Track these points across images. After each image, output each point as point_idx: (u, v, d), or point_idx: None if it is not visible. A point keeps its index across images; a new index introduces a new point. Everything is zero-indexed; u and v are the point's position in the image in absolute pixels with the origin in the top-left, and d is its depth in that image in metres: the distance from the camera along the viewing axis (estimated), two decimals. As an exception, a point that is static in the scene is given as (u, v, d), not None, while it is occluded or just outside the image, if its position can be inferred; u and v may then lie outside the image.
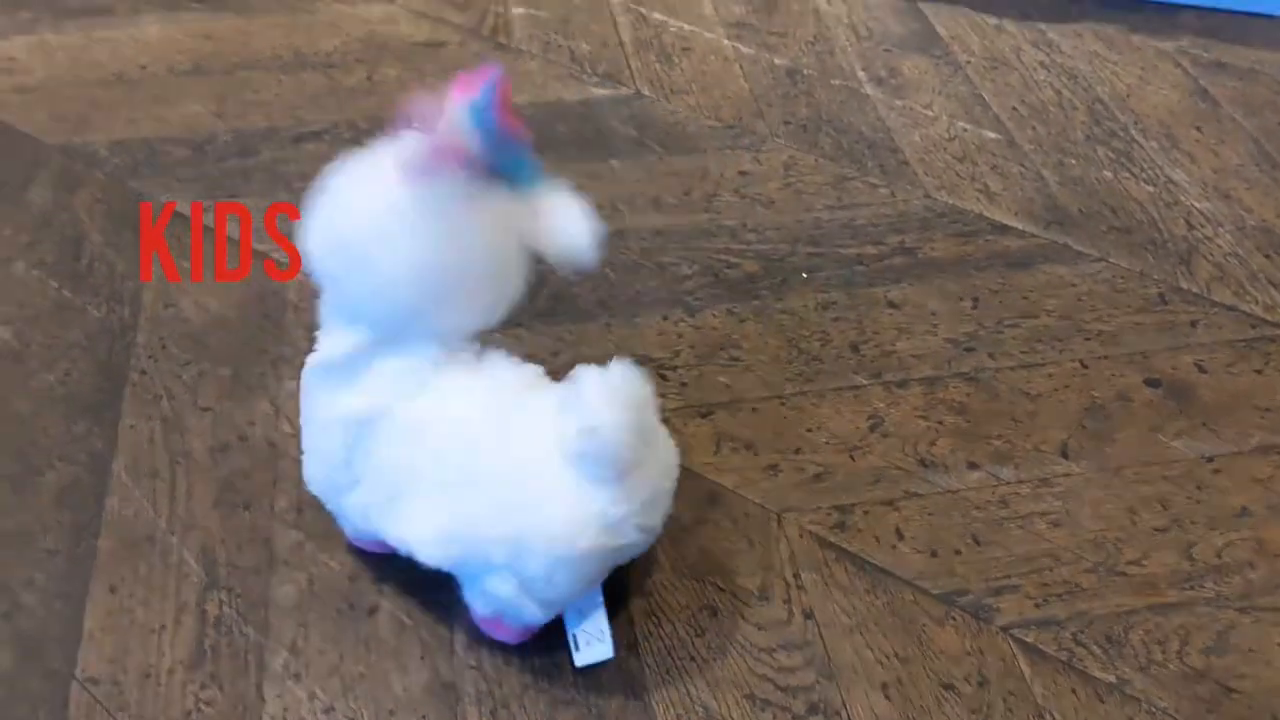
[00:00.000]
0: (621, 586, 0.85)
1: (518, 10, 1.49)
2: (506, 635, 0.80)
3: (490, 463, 0.73)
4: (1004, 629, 0.83)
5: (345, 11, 1.48)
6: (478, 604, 0.78)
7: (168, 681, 0.79)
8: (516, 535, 0.72)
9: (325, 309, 0.76)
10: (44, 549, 0.87)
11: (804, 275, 1.10)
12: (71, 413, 0.97)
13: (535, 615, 0.76)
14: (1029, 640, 0.83)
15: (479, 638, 0.81)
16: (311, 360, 0.77)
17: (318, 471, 0.80)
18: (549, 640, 0.81)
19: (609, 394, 0.70)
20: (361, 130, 1.28)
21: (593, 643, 0.79)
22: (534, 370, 0.78)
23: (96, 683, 0.79)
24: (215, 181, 1.20)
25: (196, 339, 1.03)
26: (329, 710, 0.78)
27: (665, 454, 0.76)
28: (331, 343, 0.75)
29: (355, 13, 1.47)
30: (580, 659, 0.79)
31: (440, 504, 0.73)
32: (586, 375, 0.72)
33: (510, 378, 0.76)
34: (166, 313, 1.05)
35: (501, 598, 0.75)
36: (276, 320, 1.05)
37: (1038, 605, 0.85)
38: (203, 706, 0.78)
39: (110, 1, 1.49)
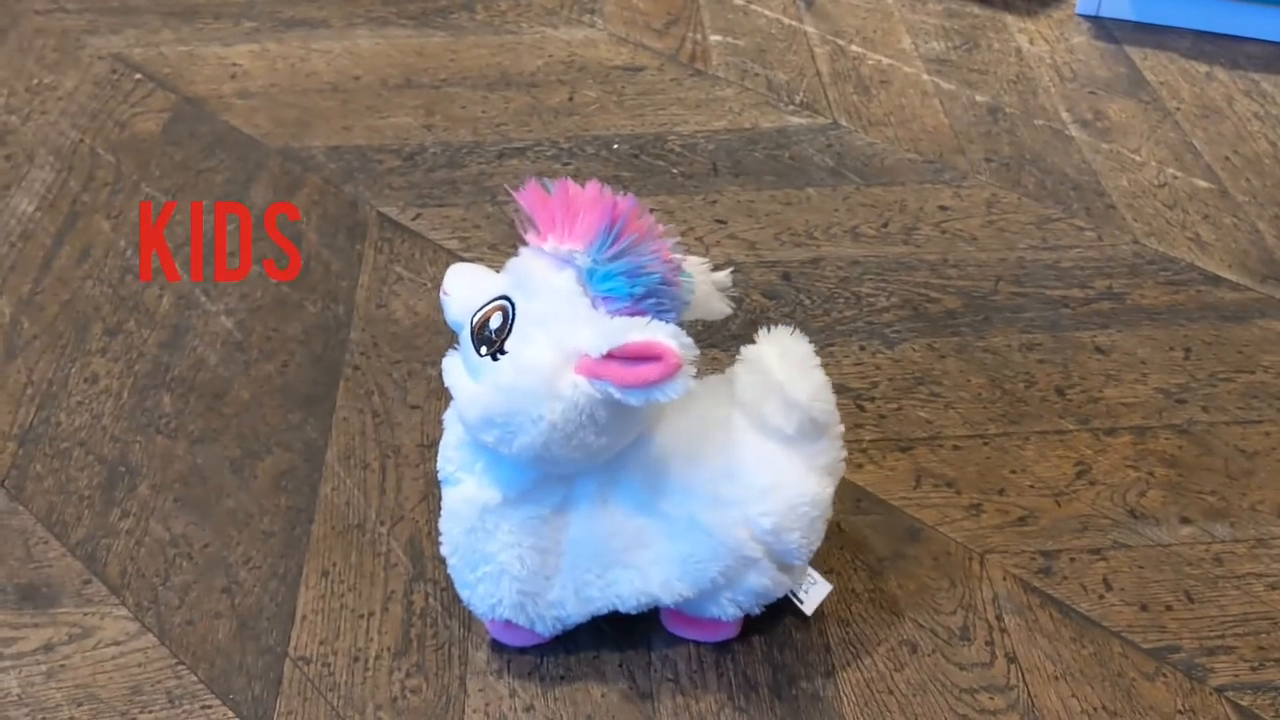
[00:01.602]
0: (818, 614, 0.84)
1: (715, 38, 1.51)
2: (725, 633, 0.81)
3: (709, 474, 0.73)
4: (1218, 690, 0.80)
5: (548, 34, 1.52)
6: (725, 609, 0.78)
7: (375, 666, 0.82)
8: (772, 523, 0.72)
9: (470, 455, 0.74)
10: (261, 530, 0.91)
11: (1007, 314, 1.08)
12: (288, 402, 1.01)
13: (786, 586, 0.78)
14: (1244, 704, 0.79)
15: (675, 651, 0.82)
16: (465, 501, 0.74)
17: (507, 593, 0.75)
18: (746, 659, 0.81)
19: (794, 363, 0.74)
20: (563, 149, 1.31)
21: (809, 589, 0.80)
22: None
23: (308, 662, 0.82)
24: (425, 191, 1.24)
25: (406, 339, 1.06)
26: (529, 709, 0.79)
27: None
28: (490, 485, 0.73)
29: (558, 35, 1.51)
30: (808, 607, 0.80)
31: (672, 538, 0.74)
32: (763, 352, 0.74)
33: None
34: (378, 313, 1.09)
35: (759, 589, 0.76)
36: (481, 326, 1.07)
37: (1254, 669, 0.81)
38: (408, 694, 0.80)
39: (326, 15, 1.56)
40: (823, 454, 0.75)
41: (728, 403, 0.75)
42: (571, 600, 0.76)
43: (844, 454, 0.77)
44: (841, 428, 0.77)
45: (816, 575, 0.81)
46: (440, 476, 0.76)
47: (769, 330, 0.76)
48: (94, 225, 1.20)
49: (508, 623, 0.78)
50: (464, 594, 0.78)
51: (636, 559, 0.74)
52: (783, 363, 0.74)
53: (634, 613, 0.77)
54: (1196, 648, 0.83)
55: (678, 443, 0.73)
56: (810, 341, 0.75)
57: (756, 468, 0.73)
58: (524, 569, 0.74)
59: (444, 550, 0.77)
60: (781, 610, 0.84)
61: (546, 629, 0.78)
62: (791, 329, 0.76)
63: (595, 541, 0.74)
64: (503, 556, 0.74)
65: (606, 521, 0.74)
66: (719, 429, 0.74)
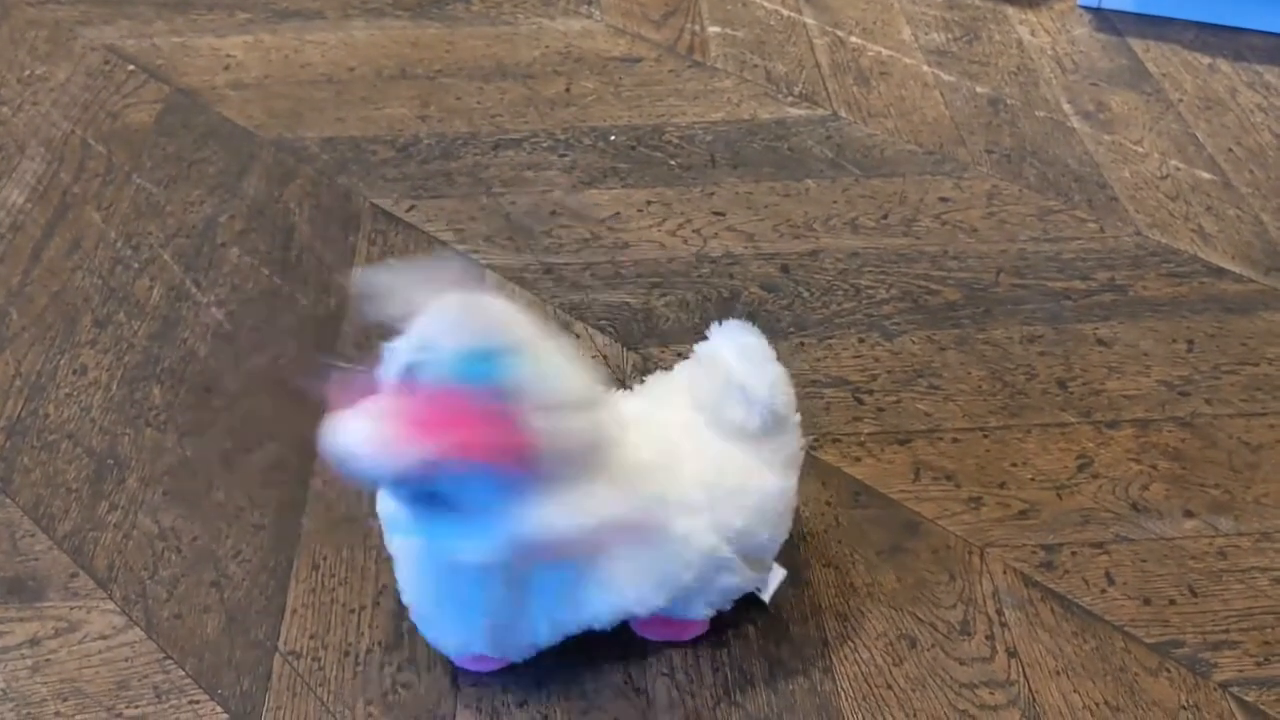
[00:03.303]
0: (815, 608, 0.83)
1: (713, 29, 1.49)
2: (696, 630, 0.80)
3: (681, 481, 0.72)
4: (1223, 685, 0.79)
5: (545, 25, 1.50)
6: (698, 610, 0.76)
7: (366, 661, 0.80)
8: (743, 523, 0.71)
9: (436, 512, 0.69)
10: (251, 523, 0.90)
11: (1008, 306, 1.07)
12: (279, 395, 1.00)
13: (756, 581, 0.77)
14: (1249, 699, 0.78)
15: (670, 645, 0.81)
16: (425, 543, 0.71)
17: (478, 630, 0.73)
18: (743, 653, 0.80)
19: (750, 358, 0.73)
20: (559, 140, 1.29)
21: (767, 579, 0.80)
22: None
23: (298, 657, 0.81)
24: (419, 182, 1.23)
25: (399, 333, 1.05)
26: (523, 704, 0.78)
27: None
28: (475, 544, 0.68)
29: (555, 26, 1.50)
30: (767, 595, 0.80)
31: (643, 550, 0.71)
32: (718, 350, 0.73)
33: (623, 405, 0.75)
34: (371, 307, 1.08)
35: (730, 589, 0.75)
36: (476, 318, 1.06)
37: (1259, 664, 0.80)
38: (399, 689, 0.79)
39: (321, 6, 1.54)
40: (784, 448, 0.74)
41: (687, 406, 0.73)
42: (544, 626, 0.74)
43: (803, 444, 0.76)
44: (799, 417, 0.76)
45: (772, 564, 0.80)
46: (387, 522, 0.73)
47: (720, 325, 0.75)
48: (85, 216, 1.19)
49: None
50: (430, 635, 0.75)
51: (608, 576, 0.72)
52: (739, 359, 0.72)
53: (607, 629, 0.75)
54: (1200, 643, 0.81)
55: (647, 455, 0.71)
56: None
57: (722, 470, 0.72)
58: (493, 602, 0.71)
59: (405, 598, 0.74)
60: (778, 604, 0.83)
61: (519, 656, 0.76)
62: (742, 322, 0.75)
63: (565, 564, 0.72)
64: (470, 593, 0.71)
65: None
66: (684, 435, 0.72)
